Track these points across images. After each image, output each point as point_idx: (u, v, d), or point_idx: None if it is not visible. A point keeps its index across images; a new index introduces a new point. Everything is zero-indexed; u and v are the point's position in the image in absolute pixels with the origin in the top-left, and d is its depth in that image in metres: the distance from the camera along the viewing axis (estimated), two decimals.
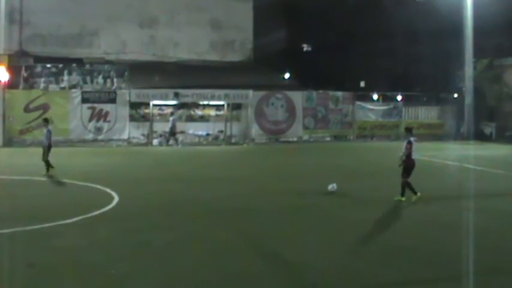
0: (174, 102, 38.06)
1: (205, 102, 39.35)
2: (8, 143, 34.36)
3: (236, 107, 39.53)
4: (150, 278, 9.65)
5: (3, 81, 34.64)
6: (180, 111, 39.26)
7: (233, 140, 38.38)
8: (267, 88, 39.55)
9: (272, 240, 12.23)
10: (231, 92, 38.27)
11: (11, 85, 35.82)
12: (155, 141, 37.00)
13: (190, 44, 44.12)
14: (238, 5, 44.82)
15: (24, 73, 37.46)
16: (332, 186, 17.74)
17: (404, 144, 16.50)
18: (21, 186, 19.96)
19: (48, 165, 21.99)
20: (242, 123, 39.49)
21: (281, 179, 21.40)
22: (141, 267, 10.24)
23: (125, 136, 36.71)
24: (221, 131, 38.97)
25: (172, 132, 36.44)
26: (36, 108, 35.63)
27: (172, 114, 37.19)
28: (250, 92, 38.54)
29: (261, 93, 39.08)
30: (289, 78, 50.23)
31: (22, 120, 34.63)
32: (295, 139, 40.08)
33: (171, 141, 36.12)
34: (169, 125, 36.67)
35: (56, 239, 12.19)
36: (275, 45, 46.34)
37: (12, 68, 35.97)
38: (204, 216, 14.61)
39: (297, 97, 39.89)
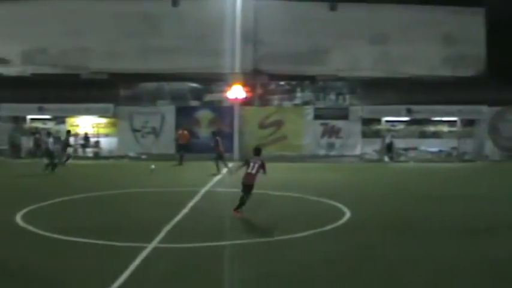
0: (405, 118, 37.73)
1: (438, 118, 38.77)
2: (244, 158, 31.80)
3: (469, 123, 39.01)
4: None
5: (240, 98, 36.95)
6: (413, 127, 38.90)
7: (466, 157, 37.69)
8: (502, 103, 38.81)
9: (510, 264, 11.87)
10: (464, 108, 38.05)
11: (247, 102, 38.44)
12: (386, 158, 36.54)
13: (421, 60, 41.92)
14: (470, 19, 42.84)
15: (259, 90, 37.84)
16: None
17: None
18: (255, 199, 18.60)
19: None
20: (475, 140, 38.84)
21: None
22: (371, 285, 10.38)
23: (357, 152, 36.53)
24: (454, 148, 38.36)
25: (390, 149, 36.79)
26: (271, 125, 37.28)
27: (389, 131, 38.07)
28: (484, 108, 38.58)
29: (495, 109, 39.00)
30: None
31: (257, 135, 33.81)
32: None
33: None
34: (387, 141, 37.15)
35: (288, 252, 12.56)
36: (510, 59, 40.89)
37: (248, 86, 38.27)
38: (435, 235, 14.45)
39: None
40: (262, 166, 16.99)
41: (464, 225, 15.67)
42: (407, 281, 10.49)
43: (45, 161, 29.31)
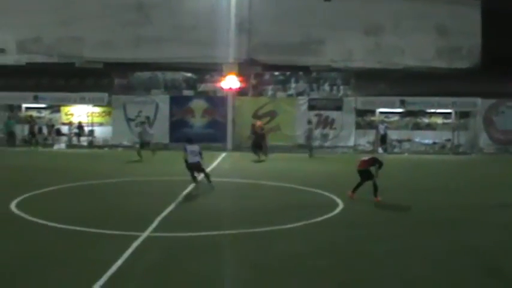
0: (400, 109, 38.19)
1: (432, 110, 39.01)
2: (237, 148, 36.53)
3: (464, 115, 39.37)
4: (369, 287, 10.10)
5: (234, 88, 37.47)
6: (408, 119, 39.33)
7: (460, 149, 38.01)
8: (496, 96, 38.63)
9: (493, 254, 12.16)
10: (459, 100, 38.19)
11: (241, 92, 38.83)
12: (380, 149, 36.37)
13: (416, 51, 41.75)
14: (465, 10, 42.36)
15: (253, 81, 38.68)
16: None
17: None
18: (247, 189, 20.57)
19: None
20: (470, 132, 38.99)
21: (506, 192, 20.51)
22: (361, 276, 10.50)
23: (351, 143, 37.22)
24: (448, 140, 38.61)
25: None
26: (264, 115, 38.07)
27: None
28: (479, 100, 38.20)
29: (490, 101, 38.51)
30: None
31: (250, 126, 33.72)
32: None
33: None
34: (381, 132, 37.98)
35: (279, 243, 12.67)
36: (506, 51, 40.68)
37: (242, 76, 38.54)
38: (426, 227, 14.61)
39: None
40: (373, 161, 18.24)
41: (453, 217, 15.81)
42: (394, 274, 10.58)
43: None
